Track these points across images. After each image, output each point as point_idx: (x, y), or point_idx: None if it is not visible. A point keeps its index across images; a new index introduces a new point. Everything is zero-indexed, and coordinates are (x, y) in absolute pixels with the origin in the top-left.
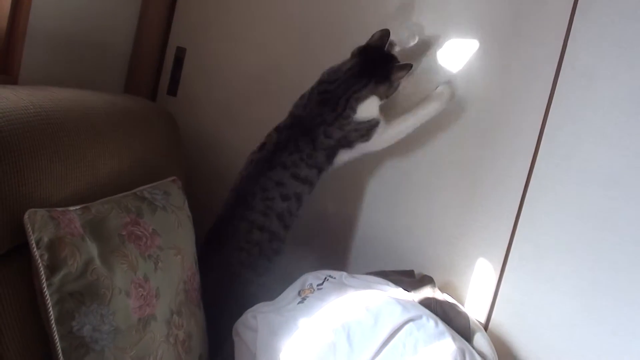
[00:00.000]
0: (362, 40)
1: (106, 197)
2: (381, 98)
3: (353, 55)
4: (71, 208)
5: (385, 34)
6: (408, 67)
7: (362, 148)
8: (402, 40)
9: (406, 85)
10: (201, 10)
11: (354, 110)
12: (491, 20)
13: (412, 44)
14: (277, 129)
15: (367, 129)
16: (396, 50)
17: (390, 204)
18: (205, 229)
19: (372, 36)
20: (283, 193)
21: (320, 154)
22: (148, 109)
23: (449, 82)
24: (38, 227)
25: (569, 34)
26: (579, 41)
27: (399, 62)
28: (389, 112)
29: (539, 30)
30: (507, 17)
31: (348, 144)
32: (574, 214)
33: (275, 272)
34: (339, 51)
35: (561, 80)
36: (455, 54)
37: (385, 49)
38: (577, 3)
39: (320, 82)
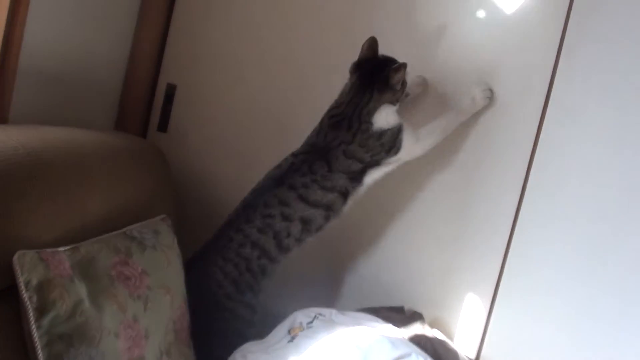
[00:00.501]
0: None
1: (96, 236)
2: (393, 104)
3: (351, 72)
4: (60, 249)
5: (373, 42)
6: (403, 66)
7: (395, 161)
8: (411, 89)
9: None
10: (191, 47)
11: (371, 123)
12: (478, 56)
13: (420, 91)
14: (293, 154)
15: (392, 139)
16: (408, 97)
17: (380, 239)
18: None
19: (362, 48)
20: (285, 213)
21: (338, 176)
22: (138, 146)
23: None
24: (27, 268)
25: (555, 72)
26: (565, 79)
27: (395, 63)
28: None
29: (526, 67)
30: (495, 56)
31: (376, 163)
32: (563, 249)
33: (258, 293)
34: (330, 87)
35: (548, 117)
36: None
37: (379, 56)
38: (562, 42)
39: (329, 110)
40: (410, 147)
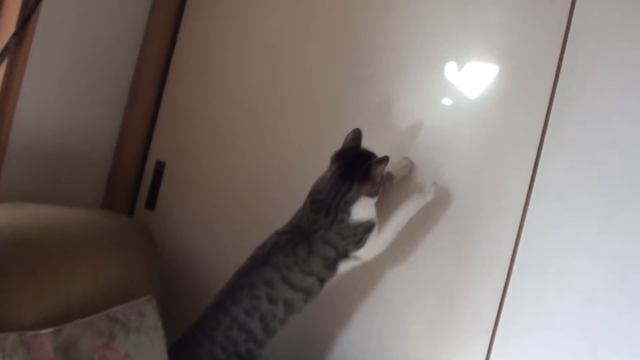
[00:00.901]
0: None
1: (79, 317)
2: (371, 196)
3: (332, 161)
4: (43, 331)
5: (357, 134)
6: (385, 160)
7: (358, 257)
8: (397, 172)
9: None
10: (182, 125)
11: (348, 213)
12: (467, 137)
13: (406, 174)
14: (278, 232)
15: (364, 232)
16: (394, 181)
17: (365, 322)
18: None
19: (346, 138)
20: (270, 295)
21: (317, 261)
22: (125, 226)
23: (429, 176)
24: (8, 352)
25: (541, 149)
26: (551, 157)
27: (376, 157)
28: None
29: (512, 145)
30: (482, 132)
31: (345, 253)
32: (552, 327)
33: None
34: (318, 171)
35: (534, 193)
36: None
37: (362, 149)
38: (547, 124)
39: (311, 193)
40: (372, 247)
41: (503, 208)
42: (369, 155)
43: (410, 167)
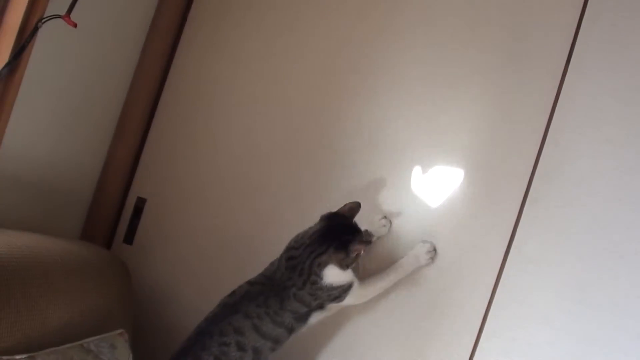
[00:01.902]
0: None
1: (54, 346)
2: (341, 268)
3: (321, 219)
4: (17, 357)
5: (355, 206)
6: (367, 243)
7: (335, 307)
8: (376, 231)
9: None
10: (165, 164)
11: (319, 276)
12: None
13: (385, 233)
14: (249, 282)
15: (341, 292)
16: (373, 239)
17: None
18: None
19: (344, 205)
20: (240, 342)
21: (287, 315)
22: (102, 259)
23: (428, 242)
24: None
25: (519, 221)
26: (528, 228)
27: (362, 237)
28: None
29: (488, 214)
30: (460, 200)
31: (320, 307)
32: None
33: None
34: (298, 220)
35: (508, 264)
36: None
37: (353, 222)
38: (528, 191)
39: (288, 249)
40: (352, 299)
41: (478, 273)
42: (356, 230)
43: (388, 227)
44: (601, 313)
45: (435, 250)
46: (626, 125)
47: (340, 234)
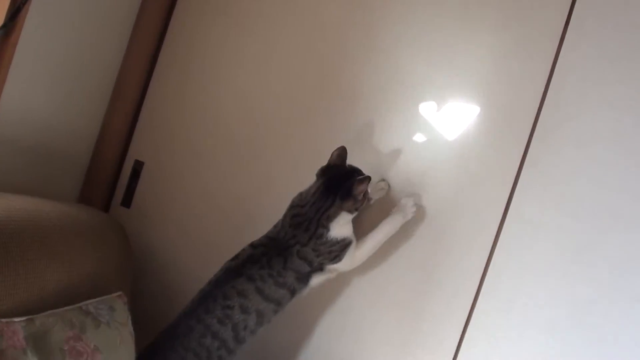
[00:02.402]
0: None
1: (52, 308)
2: (350, 212)
3: (317, 176)
4: (16, 319)
5: (342, 151)
6: (367, 179)
7: (334, 269)
8: (374, 193)
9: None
10: (163, 127)
11: (327, 228)
12: (442, 165)
13: (383, 195)
14: (252, 245)
15: (341, 249)
16: (371, 202)
17: (333, 332)
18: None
19: (331, 155)
20: (244, 305)
21: (290, 274)
22: (100, 222)
23: (411, 196)
24: None
25: (516, 184)
26: (526, 191)
27: (360, 174)
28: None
29: (486, 177)
30: (460, 162)
31: (320, 268)
32: (511, 358)
33: None
34: (297, 183)
35: (506, 225)
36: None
37: (347, 166)
38: (525, 157)
39: (292, 207)
40: (349, 261)
41: (476, 232)
42: (353, 172)
43: (386, 190)
44: (599, 274)
45: (417, 204)
46: (626, 87)
47: (341, 182)
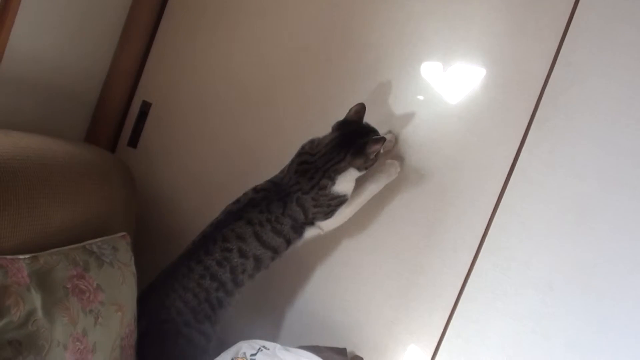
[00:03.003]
0: (338, 116)
1: (56, 247)
2: (359, 170)
3: (333, 129)
4: (20, 256)
5: (360, 108)
6: (382, 140)
7: (322, 226)
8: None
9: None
10: (171, 68)
11: (333, 181)
12: (444, 130)
13: (391, 148)
14: (255, 189)
15: (336, 205)
16: (381, 152)
17: (331, 280)
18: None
19: (349, 111)
20: (242, 249)
21: (287, 222)
22: (106, 162)
23: (393, 161)
24: None
25: (523, 144)
26: (532, 152)
27: (376, 134)
28: None
29: (493, 134)
30: (463, 125)
31: (312, 220)
32: (508, 315)
33: (216, 324)
34: (305, 127)
35: (511, 186)
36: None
37: (364, 123)
38: (532, 119)
39: (301, 154)
40: (336, 219)
41: (480, 189)
42: (369, 131)
43: (394, 142)
44: (601, 236)
45: (399, 165)
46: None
47: (355, 139)
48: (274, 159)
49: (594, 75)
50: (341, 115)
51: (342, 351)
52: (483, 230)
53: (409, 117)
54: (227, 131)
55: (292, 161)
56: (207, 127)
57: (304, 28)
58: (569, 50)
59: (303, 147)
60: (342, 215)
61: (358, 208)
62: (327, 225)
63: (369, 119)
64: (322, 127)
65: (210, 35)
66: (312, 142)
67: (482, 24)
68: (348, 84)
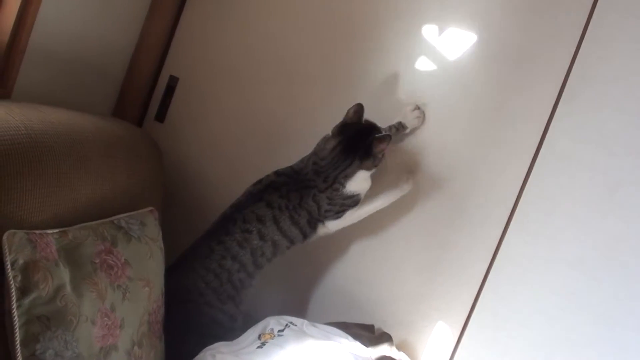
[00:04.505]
0: (365, 92)
1: (85, 222)
2: (369, 170)
3: (333, 134)
4: (49, 231)
5: (359, 108)
6: (388, 138)
7: (328, 225)
8: (410, 122)
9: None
10: (198, 43)
11: (343, 186)
12: (473, 103)
13: (419, 125)
14: (277, 173)
15: (349, 205)
16: (406, 131)
17: (359, 257)
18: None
19: (347, 112)
20: (261, 231)
21: (303, 214)
22: (134, 137)
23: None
24: (15, 248)
25: (552, 118)
26: (561, 126)
27: (379, 131)
28: None
29: (522, 108)
30: (492, 99)
31: (323, 219)
32: (537, 290)
33: (240, 304)
34: (331, 108)
35: (539, 161)
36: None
37: (364, 122)
38: (562, 93)
39: (314, 153)
40: (343, 221)
41: (509, 164)
42: (371, 129)
43: (422, 118)
44: (630, 211)
45: (412, 176)
46: None
47: (359, 141)
48: (301, 135)
49: (624, 48)
50: (367, 90)
51: (369, 328)
52: (512, 204)
53: (435, 93)
54: (255, 107)
55: (310, 156)
56: (234, 102)
57: (334, 3)
58: (598, 24)
59: (317, 145)
60: (349, 218)
61: (364, 215)
62: (334, 225)
63: (396, 92)
64: (350, 103)
65: (239, 9)
66: (322, 141)
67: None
68: (378, 61)
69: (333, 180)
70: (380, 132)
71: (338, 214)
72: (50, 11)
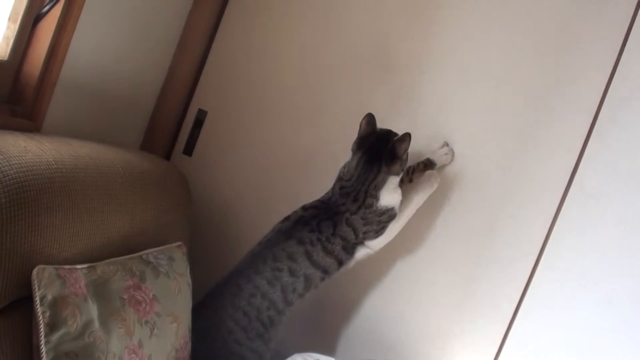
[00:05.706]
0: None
1: (113, 256)
2: (398, 174)
3: (354, 150)
4: (78, 266)
5: (370, 118)
6: (408, 137)
7: (370, 247)
8: (439, 160)
9: None
10: (227, 77)
11: (377, 198)
12: (506, 129)
13: (448, 162)
14: (304, 207)
15: (387, 220)
16: (435, 168)
17: (387, 295)
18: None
19: (360, 126)
20: (292, 268)
21: (338, 242)
22: (163, 170)
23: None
24: (44, 284)
25: (582, 155)
26: (591, 162)
27: (396, 134)
28: None
29: (552, 144)
30: (525, 129)
31: (362, 241)
32: (566, 329)
33: (269, 342)
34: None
35: (569, 198)
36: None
37: (378, 130)
38: (594, 125)
39: (339, 179)
40: (387, 236)
41: (539, 201)
42: (388, 135)
43: (451, 156)
44: None
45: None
46: None
47: (380, 149)
48: (331, 167)
49: None
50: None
51: None
52: (542, 242)
53: (463, 126)
54: (284, 140)
55: (334, 185)
56: (263, 135)
57: (362, 35)
58: (627, 63)
59: (339, 173)
60: (392, 231)
61: (406, 221)
62: (377, 243)
63: (423, 124)
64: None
65: (268, 42)
66: (343, 168)
67: (539, 33)
68: (405, 91)
69: (365, 196)
70: (397, 135)
71: (378, 232)
72: (81, 45)
